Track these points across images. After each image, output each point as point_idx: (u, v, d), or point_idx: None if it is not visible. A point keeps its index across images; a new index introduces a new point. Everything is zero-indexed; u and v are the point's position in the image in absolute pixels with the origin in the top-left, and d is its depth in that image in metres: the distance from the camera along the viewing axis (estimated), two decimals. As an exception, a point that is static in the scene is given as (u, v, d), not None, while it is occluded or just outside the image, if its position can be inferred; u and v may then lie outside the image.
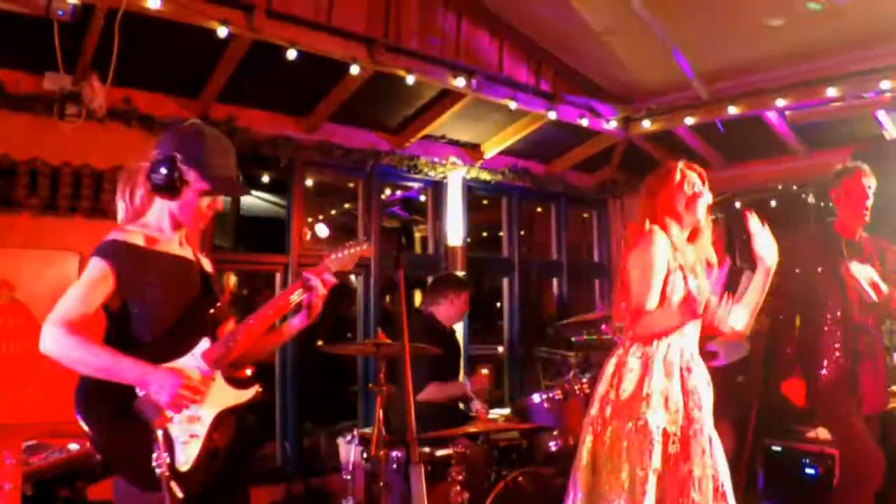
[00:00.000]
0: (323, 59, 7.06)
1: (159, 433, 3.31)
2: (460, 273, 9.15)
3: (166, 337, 3.75)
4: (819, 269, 6.18)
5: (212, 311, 4.00)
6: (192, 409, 3.69)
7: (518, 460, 6.62)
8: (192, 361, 3.76)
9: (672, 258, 4.60)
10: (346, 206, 11.64)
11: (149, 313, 3.73)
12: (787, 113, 8.83)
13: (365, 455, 6.05)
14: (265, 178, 9.18)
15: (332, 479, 8.00)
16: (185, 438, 3.66)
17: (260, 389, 4.02)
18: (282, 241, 8.44)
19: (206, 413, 3.75)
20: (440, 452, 6.00)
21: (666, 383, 4.47)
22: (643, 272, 4.55)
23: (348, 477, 6.24)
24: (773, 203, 10.18)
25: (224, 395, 3.85)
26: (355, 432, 6.41)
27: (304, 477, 8.08)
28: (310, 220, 9.22)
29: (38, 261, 6.50)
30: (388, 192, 10.44)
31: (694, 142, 9.92)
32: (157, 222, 3.91)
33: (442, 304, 7.48)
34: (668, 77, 8.69)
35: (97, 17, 6.03)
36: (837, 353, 6.06)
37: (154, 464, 3.23)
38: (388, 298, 10.96)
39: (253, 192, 11.34)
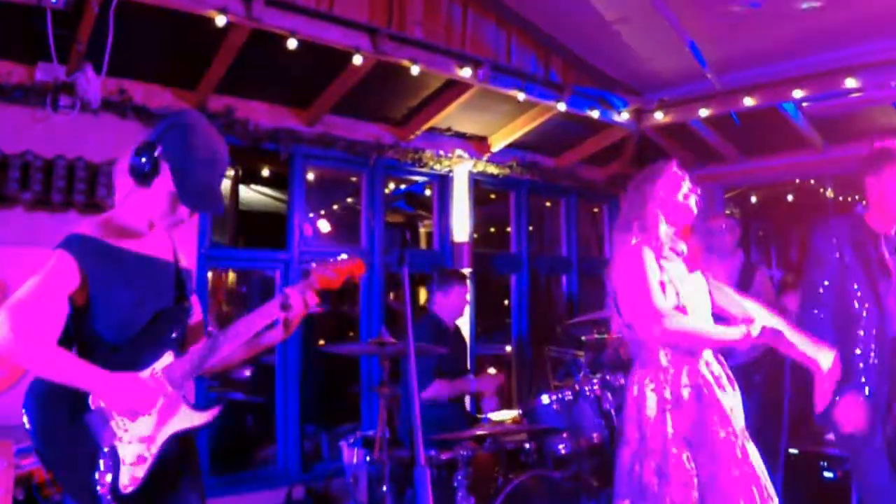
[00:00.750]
0: (324, 48, 7.04)
1: (105, 450, 3.27)
2: (466, 270, 9.15)
3: (128, 345, 3.62)
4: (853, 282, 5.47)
5: (181, 321, 3.85)
6: (143, 430, 3.57)
7: (526, 463, 6.61)
8: (150, 376, 3.61)
9: (660, 275, 4.58)
10: (349, 200, 11.63)
11: (112, 316, 3.60)
12: (804, 104, 8.80)
13: (368, 458, 6.03)
14: (265, 172, 9.17)
15: (334, 482, 8.00)
16: (133, 459, 3.50)
17: (217, 412, 3.83)
18: (282, 237, 8.42)
19: (158, 435, 3.61)
20: (446, 455, 5.97)
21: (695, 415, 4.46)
22: (637, 281, 4.52)
23: (351, 481, 6.23)
24: (789, 198, 10.17)
25: (180, 417, 3.71)
26: (358, 434, 6.40)
27: (305, 481, 8.08)
28: (311, 215, 9.22)
29: (31, 259, 6.47)
30: (391, 186, 10.44)
31: (708, 134, 9.89)
32: (132, 216, 3.77)
33: (438, 300, 7.48)
34: (682, 67, 8.65)
35: (91, 4, 5.99)
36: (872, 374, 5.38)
37: (96, 482, 3.18)
38: (391, 296, 10.95)
39: (252, 185, 11.35)
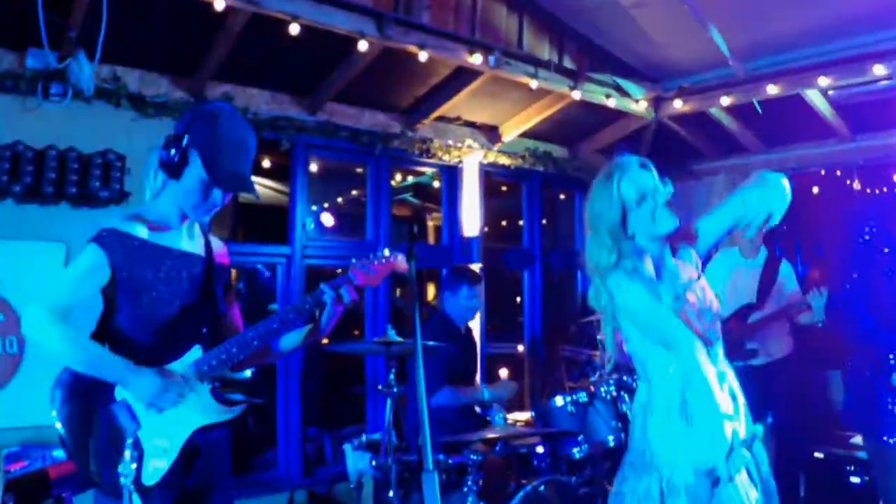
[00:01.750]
0: (328, 34, 7.01)
1: (129, 441, 3.31)
2: (476, 266, 9.13)
3: (156, 339, 3.76)
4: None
5: (210, 317, 3.99)
6: (169, 423, 3.72)
7: (539, 468, 6.60)
8: (179, 369, 3.78)
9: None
10: (353, 192, 11.62)
11: (141, 311, 3.74)
12: (830, 92, 8.76)
13: (374, 462, 6.01)
14: (265, 163, 9.15)
15: (337, 488, 7.99)
16: (157, 451, 3.68)
17: (244, 409, 4.01)
18: (283, 231, 8.40)
19: (183, 428, 3.77)
20: (455, 459, 5.95)
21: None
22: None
23: (355, 486, 6.22)
24: (815, 190, 10.13)
25: (206, 411, 3.86)
26: (363, 438, 6.37)
27: (307, 486, 8.08)
28: (314, 207, 9.21)
29: (21, 252, 6.49)
30: (398, 177, 10.42)
31: (730, 124, 9.86)
32: (165, 210, 3.89)
33: (449, 300, 7.45)
34: (702, 54, 8.61)
35: (84, -12, 6.01)
36: None
37: (120, 473, 3.23)
38: (398, 293, 10.94)
39: (252, 177, 11.32)
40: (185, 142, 3.76)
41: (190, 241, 4.00)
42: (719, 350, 4.21)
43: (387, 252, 4.18)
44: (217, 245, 4.19)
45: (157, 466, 3.65)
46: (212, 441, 3.94)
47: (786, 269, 8.06)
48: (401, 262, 4.15)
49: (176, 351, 3.80)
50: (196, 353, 3.83)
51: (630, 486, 4.14)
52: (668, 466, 3.99)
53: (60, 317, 3.50)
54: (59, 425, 3.62)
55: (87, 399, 3.63)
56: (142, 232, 3.76)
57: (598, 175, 4.35)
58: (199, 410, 3.82)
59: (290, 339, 4.24)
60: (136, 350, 3.67)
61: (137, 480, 3.49)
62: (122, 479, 3.23)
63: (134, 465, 3.26)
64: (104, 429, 3.60)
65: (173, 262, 3.86)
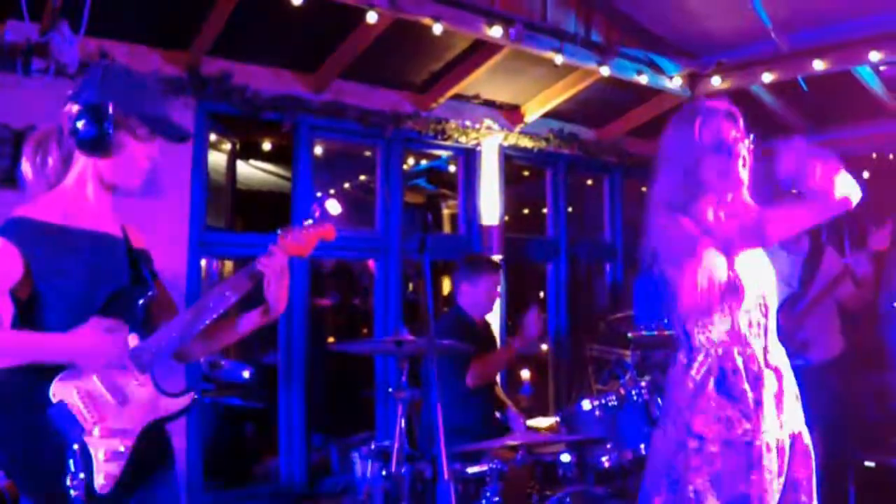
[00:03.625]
0: (334, 5, 6.99)
1: (75, 447, 3.27)
2: (496, 257, 9.12)
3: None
4: None
5: (142, 300, 3.90)
6: (116, 422, 3.62)
7: (565, 478, 6.58)
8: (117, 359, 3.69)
9: None
10: (362, 178, 11.64)
11: (64, 303, 3.62)
12: (882, 68, 8.73)
13: (384, 472, 6.01)
14: (266, 145, 9.15)
15: (344, 500, 7.99)
16: (107, 455, 3.55)
17: (195, 396, 3.96)
18: (285, 220, 8.35)
19: (130, 426, 3.67)
20: (473, 469, 5.92)
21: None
22: None
23: (364, 498, 6.22)
24: (865, 175, 10.10)
25: (152, 404, 3.78)
26: (372, 445, 6.37)
27: (311, 498, 8.08)
28: (319, 194, 9.20)
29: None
30: (411, 161, 10.41)
31: (772, 103, 9.83)
32: (78, 190, 3.80)
33: (465, 292, 7.43)
34: (743, 26, 8.58)
35: (67, -46, 6.01)
36: None
37: (69, 485, 3.19)
38: (410, 287, 10.94)
39: (251, 161, 11.34)
40: (107, 108, 3.66)
41: (104, 223, 3.90)
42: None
43: (309, 221, 4.24)
44: (136, 230, 4.14)
45: (107, 472, 3.52)
46: (161, 436, 3.92)
47: (831, 258, 8.03)
48: (327, 231, 4.25)
49: None
50: (131, 341, 3.73)
51: None
52: None
53: None
54: None
55: (17, 405, 3.50)
56: (55, 217, 3.66)
57: (681, 111, 4.50)
58: (146, 405, 3.74)
59: (248, 320, 4.26)
60: None
61: (89, 489, 3.42)
62: (70, 492, 3.19)
63: (82, 475, 3.22)
64: (43, 437, 3.45)
65: (91, 245, 3.76)
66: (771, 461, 4.08)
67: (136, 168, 3.84)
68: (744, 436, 4.05)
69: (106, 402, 3.60)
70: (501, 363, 7.37)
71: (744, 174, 4.25)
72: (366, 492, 6.20)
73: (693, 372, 4.19)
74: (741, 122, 4.32)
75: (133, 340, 3.74)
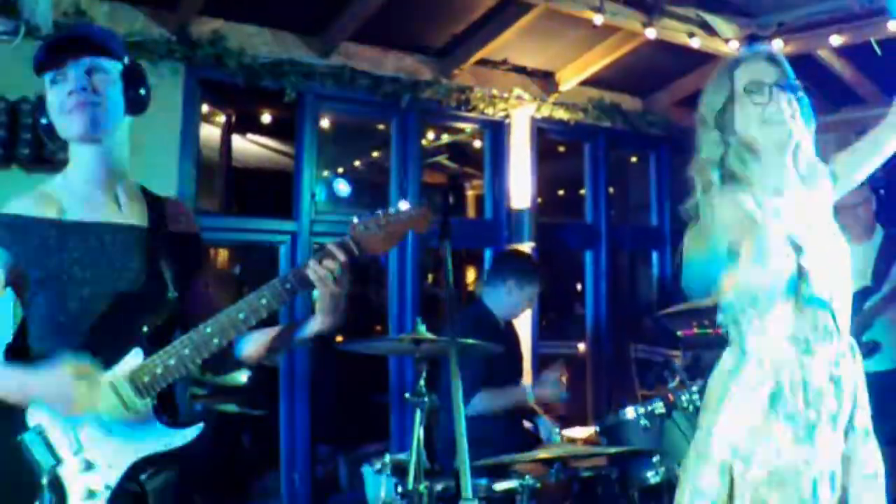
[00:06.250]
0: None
1: (45, 481, 3.21)
2: (528, 246, 9.09)
3: (77, 345, 3.40)
4: None
5: (155, 308, 3.61)
6: (99, 454, 3.38)
7: (606, 495, 6.56)
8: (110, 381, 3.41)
9: None
10: (374, 154, 11.64)
11: (55, 311, 3.47)
12: (972, 29, 8.70)
13: (400, 489, 6.01)
14: (265, 118, 9.14)
15: (355, 519, 8.01)
16: (83, 493, 3.34)
17: (199, 432, 3.65)
18: (287, 202, 8.39)
19: (119, 460, 3.41)
20: (501, 486, 5.92)
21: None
22: None
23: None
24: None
25: (149, 437, 3.50)
26: (386, 459, 6.36)
27: (318, 517, 8.11)
28: (325, 173, 9.19)
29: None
30: (430, 136, 10.39)
31: (841, 69, 9.79)
32: (73, 174, 3.64)
33: (497, 291, 7.36)
34: (808, -19, 8.57)
35: None
36: None
37: None
38: (430, 279, 10.94)
39: (249, 135, 11.33)
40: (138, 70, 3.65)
41: (117, 210, 3.67)
42: None
43: (403, 205, 3.71)
44: (171, 208, 3.89)
45: None
46: (161, 476, 3.59)
47: None
48: (419, 214, 3.70)
49: (105, 358, 3.41)
50: (133, 360, 3.46)
51: None
52: None
53: None
54: None
55: None
56: (41, 209, 3.50)
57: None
58: (138, 436, 3.46)
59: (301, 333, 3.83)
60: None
61: None
62: None
63: None
64: (15, 468, 3.30)
65: (96, 241, 3.55)
66: (824, 492, 4.02)
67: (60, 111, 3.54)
68: (796, 464, 4.00)
69: (88, 430, 3.38)
70: (511, 404, 7.28)
71: (794, 126, 4.11)
72: (379, 511, 6.20)
73: (741, 381, 4.14)
74: (787, 67, 4.24)
75: (136, 358, 3.46)
